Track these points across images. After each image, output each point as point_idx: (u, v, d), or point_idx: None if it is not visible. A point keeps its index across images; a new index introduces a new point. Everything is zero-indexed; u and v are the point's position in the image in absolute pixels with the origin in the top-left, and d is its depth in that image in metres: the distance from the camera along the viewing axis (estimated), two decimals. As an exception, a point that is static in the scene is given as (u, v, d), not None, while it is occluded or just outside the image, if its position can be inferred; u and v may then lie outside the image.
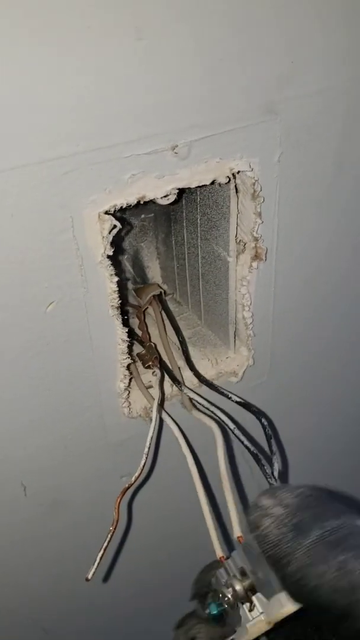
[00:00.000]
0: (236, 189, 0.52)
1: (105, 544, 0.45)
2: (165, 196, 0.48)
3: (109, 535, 0.46)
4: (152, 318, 0.64)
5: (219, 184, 0.51)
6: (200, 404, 0.55)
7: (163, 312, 0.64)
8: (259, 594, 0.40)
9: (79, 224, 0.45)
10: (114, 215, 0.46)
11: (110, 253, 0.47)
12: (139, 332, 0.60)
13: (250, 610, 0.41)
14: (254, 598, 0.41)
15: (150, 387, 0.59)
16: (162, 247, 0.70)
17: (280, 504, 0.34)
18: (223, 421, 0.51)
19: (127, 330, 0.53)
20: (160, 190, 0.47)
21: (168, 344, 0.59)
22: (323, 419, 0.78)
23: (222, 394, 0.55)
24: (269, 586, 0.38)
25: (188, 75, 0.43)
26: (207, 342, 0.65)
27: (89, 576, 0.44)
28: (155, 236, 0.69)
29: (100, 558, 0.45)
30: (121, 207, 0.46)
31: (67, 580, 0.69)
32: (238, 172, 0.49)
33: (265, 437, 0.50)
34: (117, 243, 0.48)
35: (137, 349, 0.60)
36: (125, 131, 0.43)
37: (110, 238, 0.46)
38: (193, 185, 0.48)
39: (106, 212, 0.46)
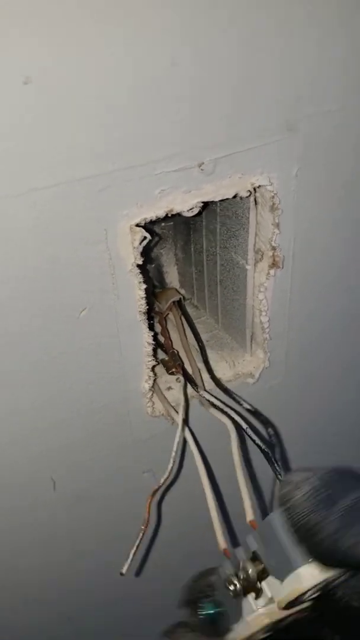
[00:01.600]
0: (255, 202, 0.56)
1: (138, 542, 0.48)
2: (190, 209, 0.52)
3: (141, 534, 0.49)
4: (172, 322, 0.68)
5: (240, 197, 0.54)
6: (216, 405, 0.58)
7: (183, 318, 0.68)
8: (269, 579, 0.41)
9: (112, 236, 0.48)
10: (144, 227, 0.49)
11: (140, 262, 0.50)
12: (162, 339, 0.63)
13: (257, 598, 0.42)
14: (263, 584, 0.42)
15: (170, 388, 0.62)
16: (180, 253, 0.73)
17: (309, 479, 0.36)
18: (236, 421, 0.54)
19: (152, 334, 0.56)
20: (187, 204, 0.50)
21: (189, 349, 0.62)
22: (337, 416, 0.81)
23: (234, 399, 0.58)
24: (285, 566, 0.39)
25: (216, 97, 0.46)
26: (225, 345, 0.68)
27: (124, 571, 0.48)
28: (174, 243, 0.73)
29: (133, 554, 0.48)
30: (151, 219, 0.49)
31: (91, 572, 0.73)
32: (258, 186, 0.53)
33: (269, 446, 0.53)
34: (145, 252, 0.51)
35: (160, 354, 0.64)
36: (157, 150, 0.46)
37: (141, 248, 0.50)
38: (217, 199, 0.51)
39: (137, 225, 0.49)
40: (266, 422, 0.53)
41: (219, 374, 0.64)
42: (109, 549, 0.72)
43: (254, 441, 0.51)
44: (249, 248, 0.58)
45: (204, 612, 0.44)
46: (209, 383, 0.63)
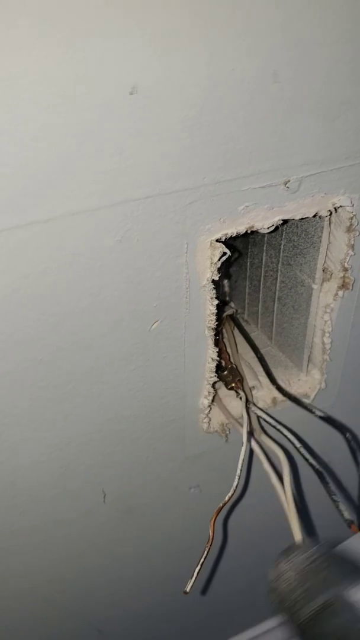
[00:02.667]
0: (329, 221, 0.54)
1: (202, 559, 0.47)
2: (270, 227, 0.51)
3: (205, 552, 0.48)
4: (225, 337, 0.67)
5: (320, 217, 0.53)
6: (268, 422, 0.57)
7: (236, 331, 0.67)
8: None
9: (192, 250, 0.47)
10: (224, 243, 0.48)
11: (217, 278, 0.49)
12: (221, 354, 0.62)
13: None
14: None
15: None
16: (234, 267, 0.72)
17: (293, 569, 0.39)
18: (289, 439, 0.53)
19: (217, 350, 0.55)
20: (268, 221, 0.49)
21: (241, 364, 0.61)
22: None
23: (306, 408, 0.58)
24: None
25: (308, 116, 0.45)
26: (278, 363, 0.67)
27: (188, 589, 0.46)
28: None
29: (198, 572, 0.47)
30: (231, 235, 0.48)
31: (129, 584, 0.71)
32: (340, 206, 0.52)
33: (349, 451, 0.52)
34: (220, 268, 0.50)
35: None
36: (246, 166, 0.45)
37: (219, 264, 0.49)
38: (297, 217, 0.50)
39: (217, 240, 0.48)
40: (342, 428, 0.53)
41: (274, 393, 0.63)
42: (154, 561, 0.71)
43: (307, 460, 0.50)
44: (318, 267, 0.57)
45: None
46: (264, 402, 0.62)
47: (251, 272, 0.69)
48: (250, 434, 0.55)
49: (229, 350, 0.63)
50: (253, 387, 0.62)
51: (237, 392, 0.58)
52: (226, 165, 0.44)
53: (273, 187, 0.48)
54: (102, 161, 0.40)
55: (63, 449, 0.54)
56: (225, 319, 0.67)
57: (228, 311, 0.67)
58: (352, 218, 0.52)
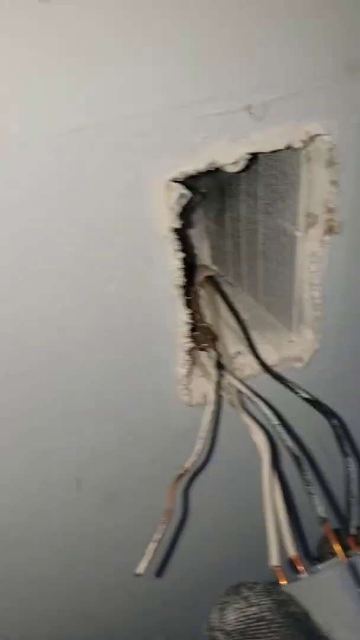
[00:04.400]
0: (308, 157, 0.48)
1: (160, 537, 0.41)
2: (235, 163, 0.44)
3: (163, 527, 0.42)
4: (205, 302, 0.60)
5: (291, 149, 0.46)
6: (244, 393, 0.50)
7: (217, 295, 0.60)
8: None
9: (145, 193, 0.41)
10: (182, 183, 0.42)
11: (177, 226, 0.43)
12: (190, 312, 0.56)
13: None
14: None
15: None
16: (213, 225, 0.65)
17: (220, 627, 0.32)
18: (267, 416, 0.46)
19: (189, 313, 0.49)
20: (232, 155, 0.43)
21: (221, 329, 0.54)
22: None
23: (289, 387, 0.51)
24: None
25: (271, 25, 0.39)
26: (266, 325, 0.60)
27: (140, 571, 0.40)
28: (205, 214, 0.65)
29: (154, 551, 0.40)
30: (190, 174, 0.42)
31: (117, 571, 0.66)
32: (314, 135, 0.45)
33: (336, 439, 0.45)
34: (184, 216, 0.44)
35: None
36: (199, 88, 0.39)
37: (178, 209, 0.42)
38: (266, 150, 0.44)
39: (174, 180, 0.41)
40: (329, 414, 0.46)
41: (262, 357, 0.57)
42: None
43: (284, 442, 0.43)
44: (300, 211, 0.50)
45: None
46: (251, 368, 0.56)
47: (232, 228, 0.62)
48: (219, 397, 0.49)
49: (206, 311, 0.57)
50: (238, 352, 0.56)
51: (208, 351, 0.52)
52: (174, 86, 0.38)
53: (234, 113, 0.41)
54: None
55: (31, 434, 0.49)
56: (205, 282, 0.60)
57: (207, 272, 0.61)
58: (331, 150, 0.46)
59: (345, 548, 0.40)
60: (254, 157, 0.52)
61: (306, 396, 0.50)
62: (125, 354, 0.48)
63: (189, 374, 0.52)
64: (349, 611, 0.34)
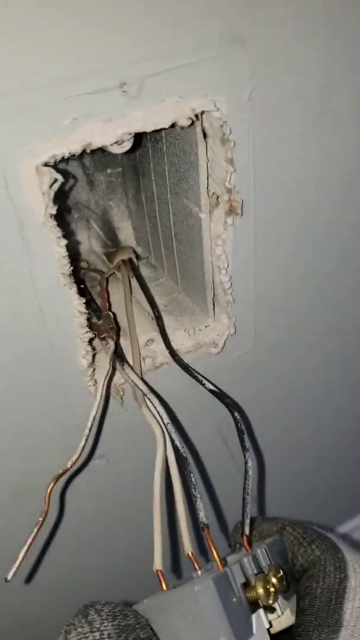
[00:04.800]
0: (204, 133, 0.45)
1: (30, 540, 0.39)
2: (117, 143, 0.41)
3: (36, 529, 0.40)
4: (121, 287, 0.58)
5: (182, 128, 0.44)
6: (139, 388, 0.48)
7: (133, 279, 0.58)
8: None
9: (13, 180, 0.38)
10: (55, 167, 0.39)
11: (54, 212, 0.40)
12: (99, 302, 0.54)
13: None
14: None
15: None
16: (133, 205, 0.63)
17: None
18: (158, 412, 0.44)
19: (84, 301, 0.46)
20: (109, 136, 0.40)
21: (132, 316, 0.52)
22: (311, 388, 0.72)
23: (195, 378, 0.49)
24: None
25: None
26: (185, 310, 0.58)
27: (9, 577, 0.39)
28: (124, 193, 0.62)
29: (24, 555, 0.39)
30: (63, 157, 0.39)
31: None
32: (202, 112, 0.42)
33: (237, 433, 0.44)
34: (63, 200, 0.41)
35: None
36: (64, 66, 0.36)
37: (52, 194, 0.40)
38: (149, 129, 0.41)
39: (45, 164, 0.39)
40: (232, 406, 0.44)
41: (177, 344, 0.55)
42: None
43: (172, 441, 0.42)
44: (201, 192, 0.48)
45: None
46: (164, 356, 0.54)
47: (147, 208, 0.59)
48: (108, 390, 0.47)
49: (116, 300, 0.55)
50: (150, 340, 0.54)
51: (107, 342, 0.49)
52: (34, 66, 0.35)
53: (106, 92, 0.38)
54: None
55: None
56: (122, 265, 0.58)
57: (123, 256, 0.58)
58: (222, 126, 0.43)
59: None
60: (154, 136, 0.50)
61: (211, 387, 0.48)
62: (19, 347, 0.46)
63: (92, 364, 0.50)
64: (206, 628, 0.33)
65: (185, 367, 0.50)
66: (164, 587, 0.37)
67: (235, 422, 0.45)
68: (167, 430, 0.42)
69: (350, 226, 0.58)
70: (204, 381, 0.49)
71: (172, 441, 0.42)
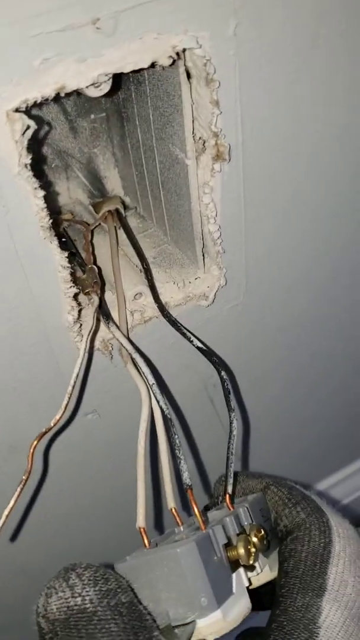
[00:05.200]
0: (188, 74, 0.42)
1: (14, 499, 0.39)
2: (94, 85, 0.39)
3: (19, 488, 0.39)
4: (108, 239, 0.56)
5: (163, 68, 0.41)
6: (123, 346, 0.47)
7: (121, 231, 0.56)
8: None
9: (-18, 127, 0.36)
10: (26, 112, 0.37)
11: (28, 161, 0.38)
12: (84, 254, 0.52)
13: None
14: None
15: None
16: (119, 152, 0.60)
17: (44, 614, 0.31)
18: (143, 373, 0.43)
19: (67, 255, 0.45)
20: (85, 77, 0.37)
21: (119, 269, 0.50)
22: (302, 344, 0.70)
23: (183, 335, 0.48)
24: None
25: None
26: (174, 261, 0.56)
27: None
28: (109, 140, 0.60)
29: (9, 513, 0.38)
30: (35, 102, 0.37)
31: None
32: (184, 50, 0.40)
33: (223, 392, 0.43)
34: (38, 148, 0.39)
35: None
36: (27, 1, 0.33)
37: (25, 142, 0.37)
38: (127, 70, 0.38)
39: (17, 110, 0.36)
40: (219, 364, 0.43)
41: (166, 297, 0.53)
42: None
43: (158, 402, 0.41)
44: (187, 137, 0.45)
45: None
46: (153, 310, 0.52)
47: (133, 155, 0.57)
48: (91, 346, 0.46)
49: (102, 253, 0.53)
50: (139, 293, 0.53)
51: (91, 297, 0.48)
52: (-5, 1, 0.32)
53: (78, 29, 0.35)
54: None
55: None
56: (108, 216, 0.56)
57: (109, 207, 0.56)
58: (206, 65, 0.40)
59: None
60: (136, 78, 0.47)
61: (199, 344, 0.47)
62: (4, 305, 0.45)
63: (78, 320, 0.49)
64: (188, 589, 0.32)
65: (174, 323, 0.49)
66: (147, 544, 0.37)
67: (222, 381, 0.44)
68: (153, 392, 0.41)
69: (346, 172, 0.56)
70: (192, 338, 0.48)
71: (157, 402, 0.41)
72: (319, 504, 0.37)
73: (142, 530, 0.37)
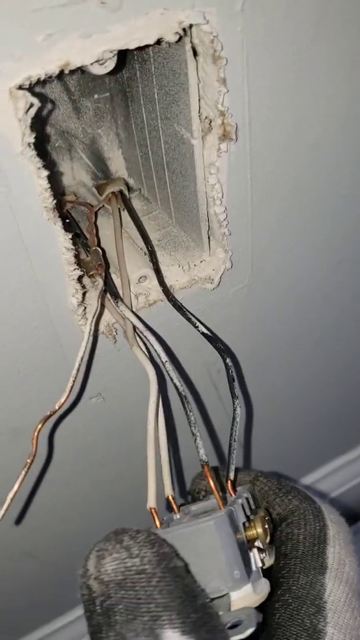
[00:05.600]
0: (194, 51, 0.41)
1: (19, 482, 0.39)
2: (99, 62, 0.38)
3: (24, 471, 0.39)
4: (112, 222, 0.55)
5: (169, 45, 0.40)
6: (135, 325, 0.47)
7: (125, 213, 0.55)
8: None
9: (-16, 105, 0.35)
10: (30, 90, 0.36)
11: (32, 140, 0.37)
12: (88, 236, 0.51)
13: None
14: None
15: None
16: (122, 133, 0.59)
17: (97, 576, 0.30)
18: (154, 349, 0.43)
19: (70, 237, 0.44)
20: (89, 53, 0.37)
21: (122, 252, 0.50)
22: (307, 324, 0.70)
23: (189, 320, 0.47)
24: None
25: None
26: (179, 244, 0.56)
27: None
28: (114, 120, 0.59)
29: (13, 496, 0.38)
30: (39, 79, 0.36)
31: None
32: (190, 26, 0.39)
33: (227, 379, 0.43)
34: (41, 128, 0.38)
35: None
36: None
37: (29, 120, 0.37)
38: (132, 46, 0.37)
39: (20, 87, 0.36)
40: (224, 351, 0.43)
41: (171, 280, 0.53)
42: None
43: (172, 379, 0.40)
44: (193, 116, 0.45)
45: None
46: (158, 293, 0.52)
47: (137, 135, 0.56)
48: (96, 330, 0.45)
49: (106, 235, 0.52)
50: (143, 276, 0.52)
51: (95, 279, 0.47)
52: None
53: (82, 3, 0.34)
54: None
55: None
56: (112, 197, 0.55)
57: (113, 188, 0.56)
58: (213, 41, 0.39)
59: (224, 491, 0.39)
60: (141, 55, 0.46)
61: (204, 330, 0.46)
62: (3, 286, 0.44)
63: (83, 303, 0.48)
64: (222, 562, 0.33)
65: (179, 308, 0.48)
66: (158, 524, 0.37)
67: (227, 368, 0.44)
68: (166, 369, 0.41)
69: (353, 155, 0.55)
70: (197, 324, 0.47)
71: (172, 379, 0.41)
72: (308, 493, 0.39)
73: (152, 510, 0.37)
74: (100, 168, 0.61)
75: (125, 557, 0.30)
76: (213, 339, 0.46)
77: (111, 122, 0.59)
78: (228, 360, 0.43)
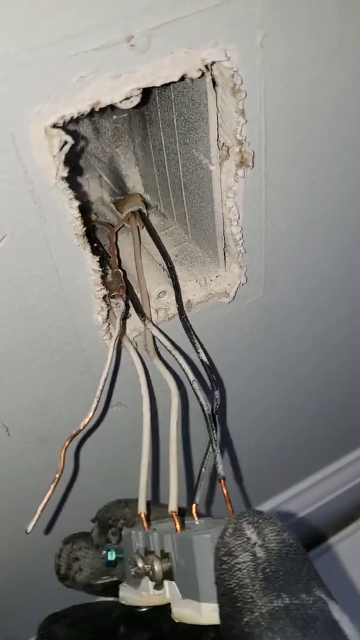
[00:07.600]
0: (214, 82, 0.44)
1: (48, 496, 0.41)
2: (127, 99, 0.40)
3: (53, 485, 0.42)
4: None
5: (191, 79, 0.43)
6: (163, 344, 0.49)
7: (143, 230, 0.58)
8: (172, 583, 0.38)
9: (23, 143, 0.38)
10: (64, 128, 0.38)
11: (65, 174, 0.40)
12: (110, 256, 0.54)
13: (156, 588, 0.39)
14: (165, 582, 0.38)
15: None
16: (140, 152, 0.62)
17: (262, 544, 0.31)
18: (184, 369, 0.45)
19: (98, 259, 0.46)
20: (118, 93, 0.39)
21: (142, 268, 0.52)
22: (316, 332, 0.72)
23: (193, 344, 0.48)
24: (191, 587, 0.35)
25: None
26: (195, 260, 0.58)
27: (29, 529, 0.41)
28: (131, 140, 0.61)
29: (42, 509, 0.41)
30: (72, 117, 0.38)
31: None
32: (213, 63, 0.41)
33: (210, 411, 0.43)
34: (74, 161, 0.40)
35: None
36: (69, 22, 0.34)
37: (63, 156, 0.39)
38: (158, 84, 0.40)
39: (54, 126, 0.38)
40: (216, 382, 0.45)
41: (189, 295, 0.55)
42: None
43: (198, 398, 0.42)
44: (211, 143, 0.47)
45: (104, 556, 0.44)
46: (175, 309, 0.54)
47: (155, 156, 0.58)
48: (119, 350, 0.48)
49: (126, 253, 0.54)
50: (163, 292, 0.54)
51: (117, 300, 0.50)
52: (37, 24, 0.34)
53: (113, 47, 0.37)
54: None
55: None
56: (132, 216, 0.58)
57: (133, 207, 0.58)
58: (233, 75, 0.42)
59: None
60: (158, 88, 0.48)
61: (203, 358, 0.48)
62: (36, 306, 0.47)
63: (107, 320, 0.51)
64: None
65: (187, 329, 0.50)
66: (178, 528, 0.39)
67: (214, 399, 0.44)
68: (193, 388, 0.43)
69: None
70: (199, 350, 0.48)
71: (198, 398, 0.43)
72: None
73: (173, 514, 0.39)
74: (118, 184, 0.63)
75: (280, 530, 0.32)
76: (210, 368, 0.47)
77: (129, 142, 0.61)
78: (217, 392, 0.44)
